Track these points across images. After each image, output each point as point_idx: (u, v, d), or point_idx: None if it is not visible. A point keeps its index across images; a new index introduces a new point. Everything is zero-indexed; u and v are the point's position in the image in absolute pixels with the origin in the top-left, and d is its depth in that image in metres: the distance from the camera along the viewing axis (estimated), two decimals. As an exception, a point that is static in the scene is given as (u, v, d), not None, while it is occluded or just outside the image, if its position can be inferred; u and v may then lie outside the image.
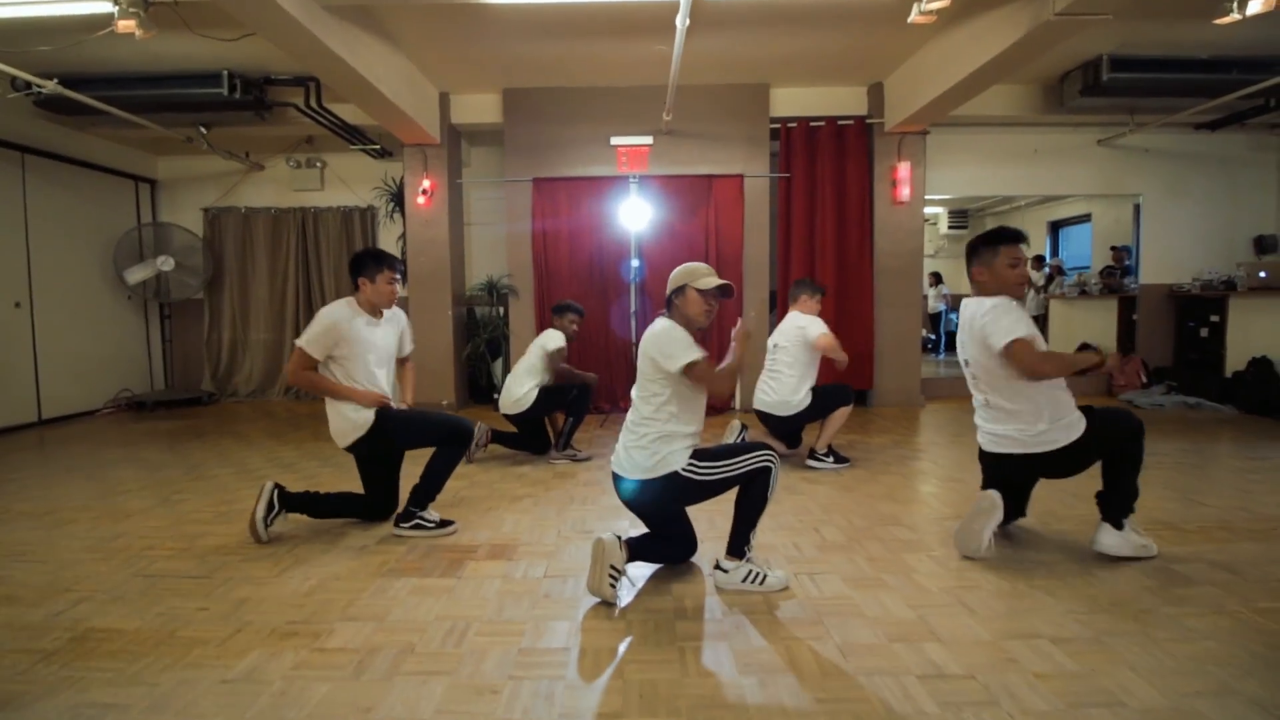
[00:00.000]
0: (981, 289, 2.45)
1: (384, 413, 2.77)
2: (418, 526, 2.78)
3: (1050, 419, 2.36)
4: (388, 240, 6.52)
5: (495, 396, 6.05)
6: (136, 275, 6.17)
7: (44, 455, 4.44)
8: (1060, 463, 2.42)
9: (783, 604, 2.13)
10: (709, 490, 2.20)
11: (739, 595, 2.18)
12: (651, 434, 2.19)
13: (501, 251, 6.05)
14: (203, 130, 5.79)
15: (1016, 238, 2.41)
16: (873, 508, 3.10)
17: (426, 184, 5.79)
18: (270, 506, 2.72)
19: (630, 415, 2.28)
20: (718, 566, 2.27)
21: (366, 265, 2.77)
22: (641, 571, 2.36)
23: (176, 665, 1.80)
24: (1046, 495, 3.17)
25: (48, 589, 2.29)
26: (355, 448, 2.81)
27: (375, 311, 2.82)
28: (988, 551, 2.42)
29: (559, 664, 1.78)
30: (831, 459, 3.86)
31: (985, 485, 2.57)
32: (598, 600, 2.14)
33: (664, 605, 2.13)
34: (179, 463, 4.13)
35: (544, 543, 2.69)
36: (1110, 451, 2.39)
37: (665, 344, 2.17)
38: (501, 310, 6.12)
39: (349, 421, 2.75)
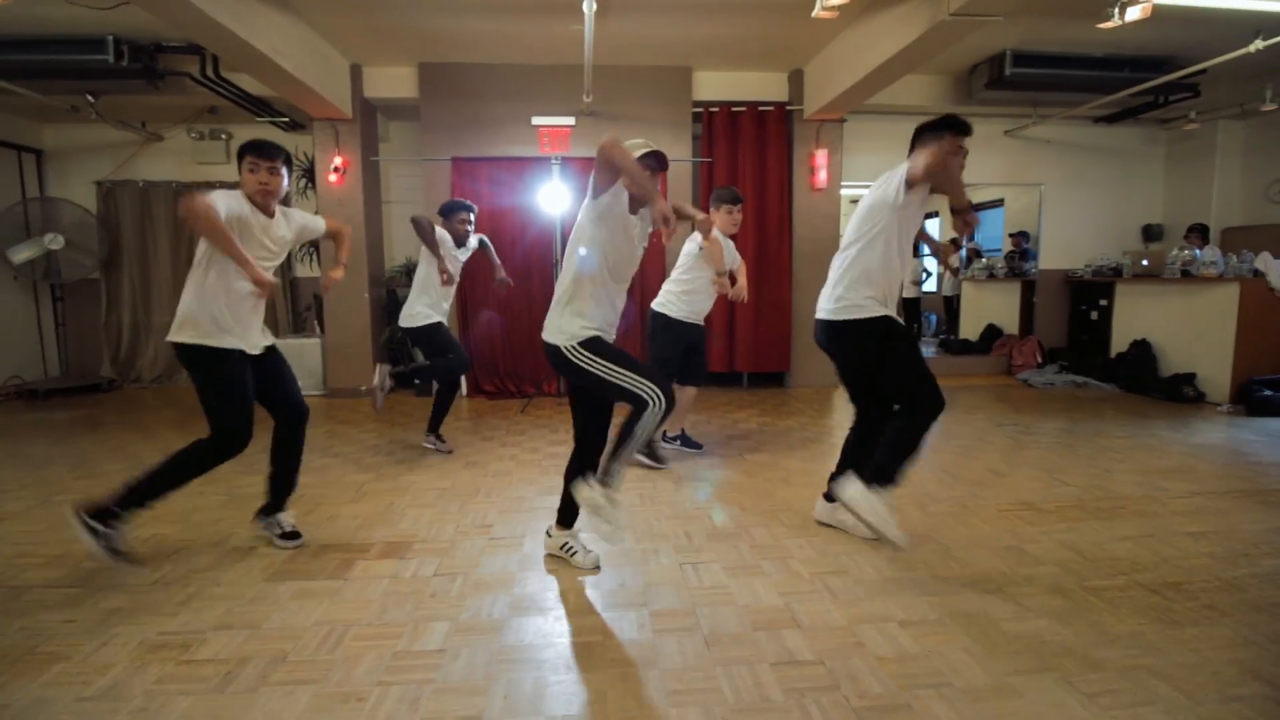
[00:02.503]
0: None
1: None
2: (268, 529, 2.64)
3: (848, 286, 2.47)
4: (301, 218, 6.25)
5: (416, 383, 5.98)
6: (22, 254, 5.75)
7: (-85, 451, 4.15)
8: (849, 348, 2.52)
9: (665, 594, 2.22)
10: (584, 378, 2.19)
11: (623, 593, 2.26)
12: (563, 296, 2.24)
13: (421, 232, 5.89)
14: (90, 99, 5.40)
15: (964, 129, 2.37)
16: (769, 493, 3.24)
17: (338, 161, 5.57)
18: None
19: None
20: (547, 531, 2.52)
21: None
22: (523, 572, 2.42)
23: (33, 684, 1.75)
24: (923, 478, 3.38)
25: (-100, 605, 2.18)
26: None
27: (263, 207, 2.51)
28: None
29: (431, 667, 1.82)
30: (679, 443, 3.89)
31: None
32: (481, 598, 2.19)
33: (549, 604, 2.19)
34: (66, 458, 3.93)
35: (440, 539, 2.70)
36: (897, 398, 2.45)
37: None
38: (422, 292, 5.98)
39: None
